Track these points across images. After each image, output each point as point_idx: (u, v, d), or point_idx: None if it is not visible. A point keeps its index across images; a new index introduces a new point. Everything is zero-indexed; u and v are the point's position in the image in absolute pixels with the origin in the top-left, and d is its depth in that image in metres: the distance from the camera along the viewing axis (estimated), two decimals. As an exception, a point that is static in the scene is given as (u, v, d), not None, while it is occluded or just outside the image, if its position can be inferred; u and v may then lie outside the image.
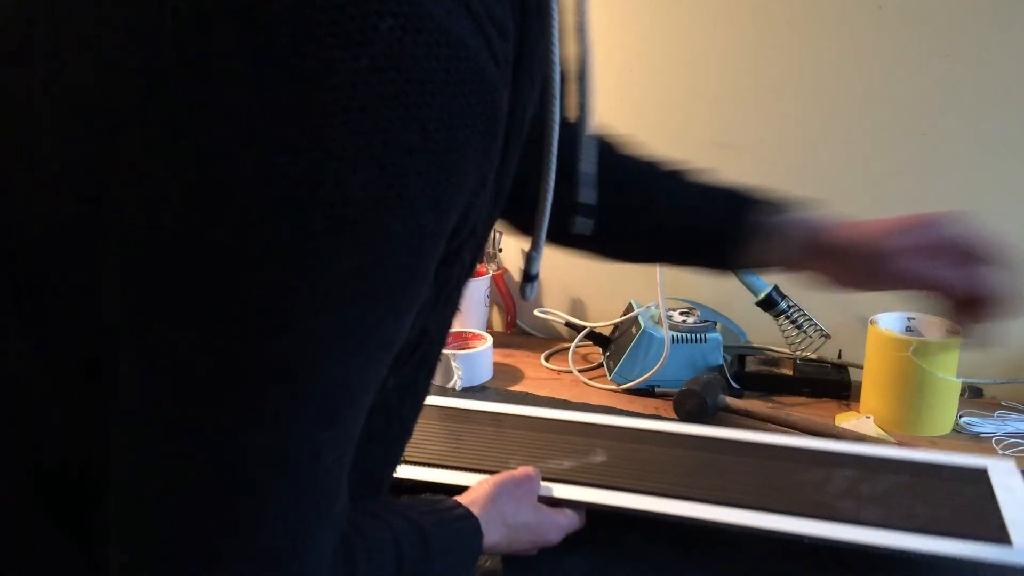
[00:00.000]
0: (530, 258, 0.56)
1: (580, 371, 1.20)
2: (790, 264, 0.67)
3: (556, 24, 0.46)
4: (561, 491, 0.76)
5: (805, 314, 1.13)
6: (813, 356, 1.16)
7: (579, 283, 1.36)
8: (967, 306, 0.61)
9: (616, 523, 0.75)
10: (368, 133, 0.35)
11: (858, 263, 0.65)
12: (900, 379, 0.99)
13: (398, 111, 0.35)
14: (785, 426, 0.99)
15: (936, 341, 0.98)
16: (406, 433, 0.56)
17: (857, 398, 1.07)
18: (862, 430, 0.97)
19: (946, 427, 1.01)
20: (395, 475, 0.80)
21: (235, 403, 0.37)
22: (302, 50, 0.34)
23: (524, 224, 0.60)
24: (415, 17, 0.35)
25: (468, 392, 1.11)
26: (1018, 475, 0.78)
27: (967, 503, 0.73)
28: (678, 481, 0.78)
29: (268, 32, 0.34)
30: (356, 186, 0.36)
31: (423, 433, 0.90)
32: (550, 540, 0.72)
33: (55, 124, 0.40)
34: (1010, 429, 1.01)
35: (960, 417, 1.02)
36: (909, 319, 1.05)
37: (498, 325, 1.42)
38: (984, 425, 1.02)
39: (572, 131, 0.55)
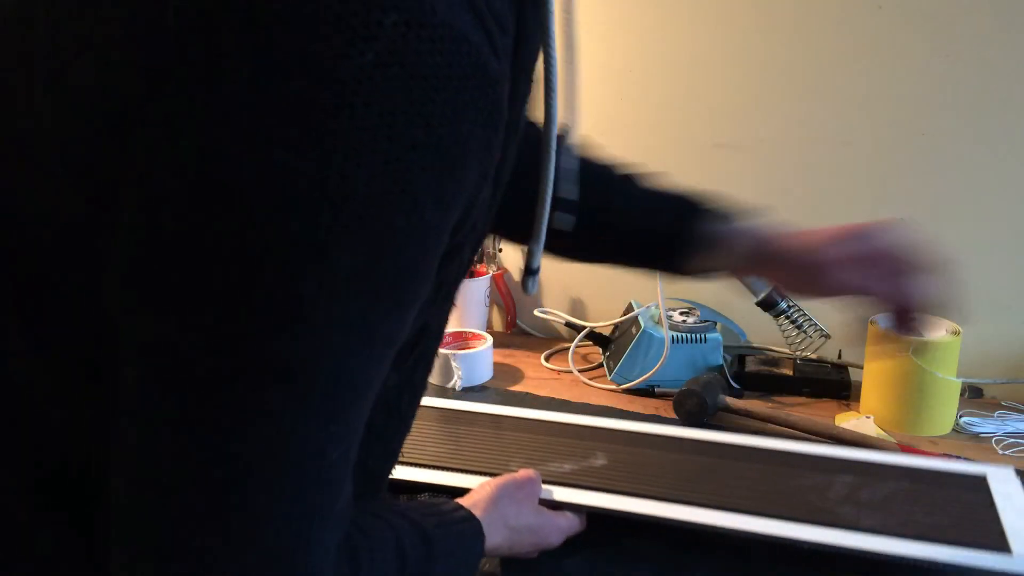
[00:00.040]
0: (531, 252, 0.56)
1: (580, 371, 1.20)
2: (737, 271, 0.69)
3: (553, 18, 0.46)
4: (561, 494, 0.76)
5: (805, 314, 1.13)
6: (813, 356, 1.16)
7: (579, 283, 1.36)
8: (900, 313, 0.64)
9: (616, 526, 0.76)
10: (373, 129, 0.35)
11: (799, 273, 0.67)
12: (900, 379, 0.99)
13: (402, 106, 0.36)
14: (785, 426, 0.99)
15: (936, 341, 0.98)
16: (405, 429, 0.57)
17: (857, 398, 1.07)
18: (862, 430, 0.97)
19: (946, 427, 1.01)
20: (396, 477, 0.81)
21: (238, 401, 0.37)
22: (306, 47, 0.34)
23: (508, 224, 0.60)
24: (419, 12, 0.35)
25: (468, 392, 1.11)
26: (1017, 483, 0.78)
27: (966, 510, 0.74)
28: (678, 485, 0.78)
29: (271, 29, 0.34)
30: (361, 182, 0.36)
31: (424, 435, 0.90)
32: (551, 542, 0.72)
33: (56, 124, 0.40)
34: (1010, 429, 1.01)
35: (960, 417, 1.02)
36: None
37: (498, 325, 1.42)
38: (984, 425, 1.02)
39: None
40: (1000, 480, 0.78)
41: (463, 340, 1.19)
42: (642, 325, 1.13)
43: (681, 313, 1.17)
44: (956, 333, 0.99)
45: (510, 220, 0.57)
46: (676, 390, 1.03)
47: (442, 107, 0.37)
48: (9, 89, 0.42)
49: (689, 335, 1.12)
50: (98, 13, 0.38)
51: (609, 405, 1.08)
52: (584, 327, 1.24)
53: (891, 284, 0.63)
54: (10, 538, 0.45)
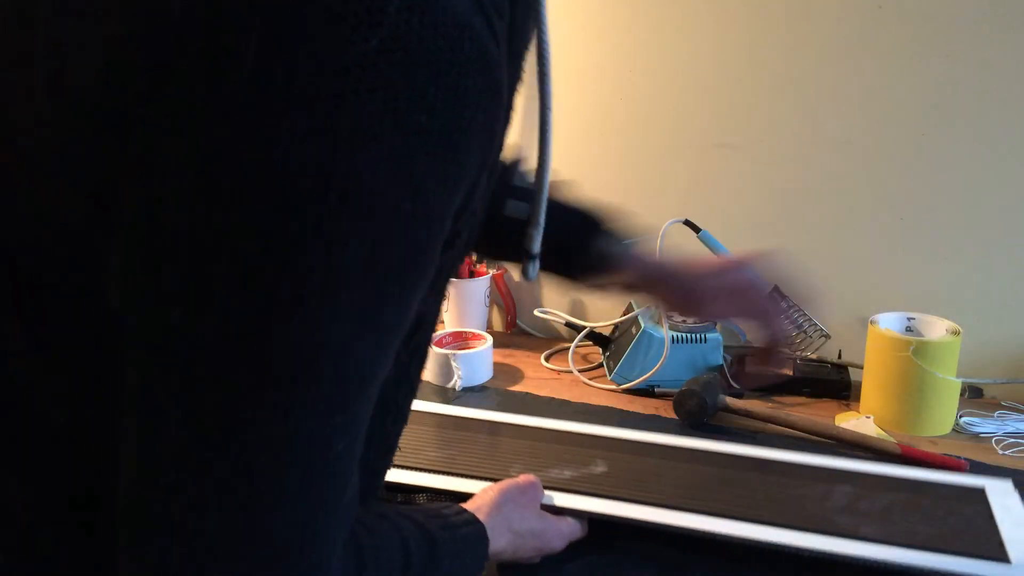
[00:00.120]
0: (530, 236, 0.56)
1: (580, 371, 1.20)
2: (626, 289, 0.73)
3: (545, 3, 0.47)
4: (562, 500, 0.77)
5: (805, 314, 1.13)
6: (813, 356, 1.16)
7: (579, 283, 1.36)
8: (765, 347, 0.70)
9: (616, 533, 0.76)
10: (378, 115, 0.36)
11: (681, 299, 0.72)
12: (900, 379, 0.99)
13: (406, 92, 0.36)
14: (785, 426, 0.99)
15: (936, 341, 0.98)
16: (402, 422, 0.57)
17: (857, 398, 1.07)
18: (862, 430, 0.97)
19: (946, 427, 1.01)
20: (399, 481, 0.81)
21: (244, 392, 0.38)
22: (311, 34, 0.35)
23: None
24: None
25: (468, 392, 1.11)
26: (1015, 494, 0.79)
27: (965, 521, 0.74)
28: (679, 493, 0.79)
29: (275, 17, 0.34)
30: (367, 167, 0.36)
31: (426, 440, 0.90)
32: (554, 547, 0.72)
33: (56, 123, 0.40)
34: (1010, 429, 1.01)
35: (960, 417, 1.02)
36: (909, 319, 1.05)
37: (498, 325, 1.42)
38: (984, 425, 1.02)
39: None
40: (998, 492, 0.79)
41: (463, 340, 1.19)
42: (642, 325, 1.13)
43: (681, 313, 1.17)
44: (956, 333, 1.00)
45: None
46: (676, 390, 1.03)
47: (445, 92, 0.37)
48: (8, 88, 0.42)
49: (689, 335, 1.12)
50: (98, 12, 0.38)
51: (609, 405, 1.08)
52: (584, 327, 1.24)
53: (756, 319, 0.70)
54: (10, 538, 0.45)
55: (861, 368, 1.07)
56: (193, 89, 0.35)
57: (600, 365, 1.22)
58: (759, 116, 1.19)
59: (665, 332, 1.11)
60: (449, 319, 1.31)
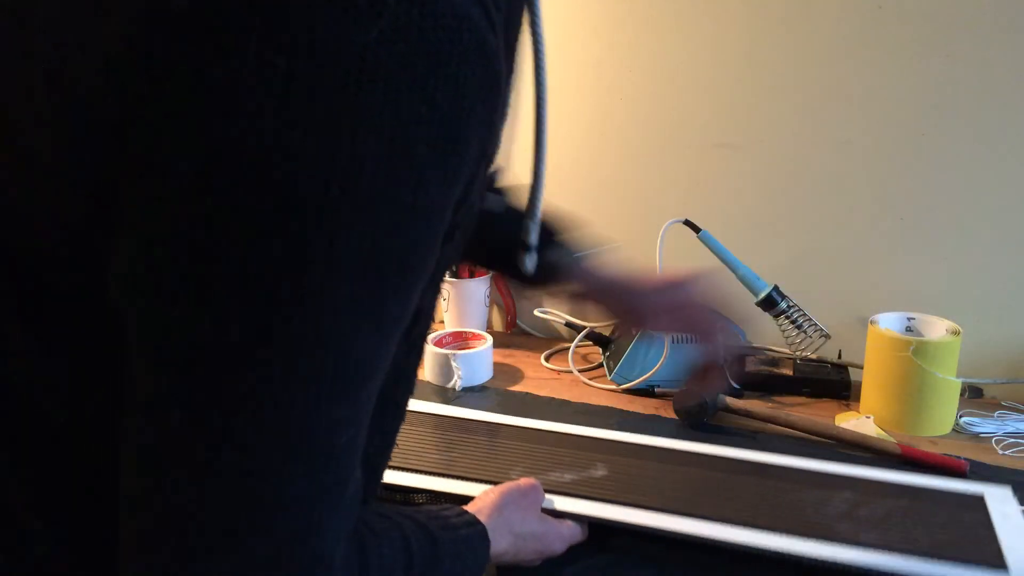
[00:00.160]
0: (527, 228, 0.57)
1: (580, 371, 1.20)
2: (575, 298, 0.75)
3: None
4: (562, 504, 0.77)
5: (805, 314, 1.13)
6: (813, 356, 1.16)
7: (579, 283, 1.36)
8: (704, 366, 0.72)
9: (616, 536, 0.76)
10: (379, 105, 0.36)
11: (625, 312, 0.74)
12: (900, 379, 0.99)
13: (407, 82, 0.36)
14: (785, 426, 0.99)
15: (936, 341, 0.98)
16: (400, 418, 0.57)
17: (857, 398, 1.07)
18: (862, 430, 0.97)
19: (946, 427, 1.01)
20: (399, 483, 0.81)
21: (248, 383, 0.38)
22: (311, 26, 0.35)
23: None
24: None
25: (468, 392, 1.11)
26: (1014, 503, 0.79)
27: (964, 529, 0.75)
28: (679, 498, 0.79)
29: (276, 10, 0.35)
30: (368, 159, 0.36)
31: (425, 442, 0.91)
32: (555, 550, 0.72)
33: (56, 123, 0.40)
34: (1010, 429, 1.01)
35: (960, 417, 1.02)
36: (909, 319, 1.05)
37: (498, 325, 1.42)
38: (984, 425, 1.02)
39: None
40: (998, 499, 0.80)
41: (463, 340, 1.19)
42: (642, 325, 1.13)
43: (681, 313, 1.17)
44: (956, 333, 1.00)
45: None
46: (676, 390, 1.03)
47: (445, 83, 0.37)
48: (8, 88, 0.42)
49: (689, 335, 1.12)
50: (98, 11, 0.38)
51: (609, 405, 1.08)
52: (584, 327, 1.24)
53: (697, 337, 0.72)
54: (10, 538, 0.45)
55: (861, 368, 1.07)
56: (194, 86, 0.35)
57: (600, 365, 1.22)
58: (759, 116, 1.19)
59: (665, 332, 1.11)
60: (449, 319, 1.31)
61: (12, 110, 0.42)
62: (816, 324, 1.13)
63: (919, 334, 1.03)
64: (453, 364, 1.11)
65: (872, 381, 1.03)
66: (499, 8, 0.42)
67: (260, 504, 0.39)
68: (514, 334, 1.38)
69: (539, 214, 0.56)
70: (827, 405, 1.09)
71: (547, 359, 1.25)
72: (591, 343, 1.25)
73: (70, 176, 0.40)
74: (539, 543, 0.71)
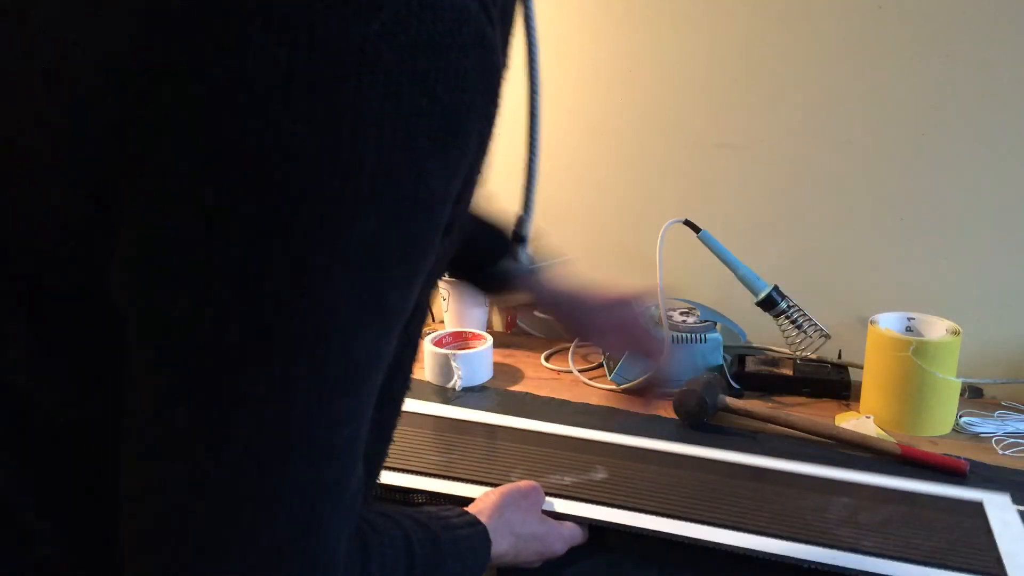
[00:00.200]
0: (522, 220, 0.57)
1: (580, 371, 1.20)
2: (527, 308, 0.77)
3: None
4: (562, 506, 0.77)
5: (805, 314, 1.13)
6: (813, 356, 1.16)
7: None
8: (646, 384, 0.73)
9: (616, 539, 0.76)
10: (381, 98, 0.36)
11: (573, 326, 0.77)
12: (900, 379, 0.99)
13: (408, 75, 0.36)
14: (785, 426, 0.99)
15: (936, 341, 0.98)
16: (397, 413, 0.57)
17: (857, 398, 1.07)
18: (862, 430, 0.97)
19: (946, 427, 1.01)
20: (398, 484, 0.81)
21: (251, 377, 0.38)
22: (314, 18, 0.35)
23: None
24: None
25: (468, 392, 1.11)
26: (1013, 510, 0.80)
27: (964, 535, 0.75)
28: (679, 502, 0.79)
29: (277, 3, 0.35)
30: (370, 151, 0.36)
31: (426, 444, 0.91)
32: (555, 551, 0.72)
33: (56, 122, 0.40)
34: (1010, 429, 1.01)
35: (960, 417, 1.02)
36: (909, 319, 1.05)
37: (498, 325, 1.42)
38: (984, 425, 1.02)
39: None
40: (997, 506, 0.80)
41: (463, 340, 1.19)
42: (642, 325, 1.13)
43: (681, 313, 1.17)
44: (956, 333, 1.00)
45: None
46: (676, 390, 1.03)
47: (446, 76, 0.37)
48: (7, 88, 0.42)
49: (689, 335, 1.12)
50: (98, 8, 0.38)
51: (609, 405, 1.08)
52: (584, 327, 1.24)
53: (642, 356, 0.74)
54: (12, 539, 0.45)
55: (861, 368, 1.07)
56: (194, 82, 0.35)
57: (600, 365, 1.22)
58: (759, 116, 1.19)
59: (665, 332, 1.11)
60: (449, 319, 1.31)
61: (11, 110, 0.41)
62: (816, 324, 1.13)
63: (919, 334, 1.03)
64: (453, 364, 1.11)
65: (872, 381, 1.03)
66: (495, 1, 0.42)
67: (262, 501, 0.39)
68: (514, 334, 1.38)
69: (533, 206, 0.56)
70: (827, 405, 1.09)
71: (547, 359, 1.25)
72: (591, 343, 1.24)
73: (70, 176, 0.40)
74: (540, 544, 0.71)
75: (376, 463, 0.57)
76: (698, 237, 1.14)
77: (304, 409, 0.39)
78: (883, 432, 0.99)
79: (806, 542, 0.73)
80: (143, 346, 0.39)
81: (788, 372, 1.13)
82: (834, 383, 1.11)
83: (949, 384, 0.99)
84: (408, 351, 0.54)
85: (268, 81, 0.35)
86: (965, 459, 0.91)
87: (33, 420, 0.44)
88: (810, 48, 1.14)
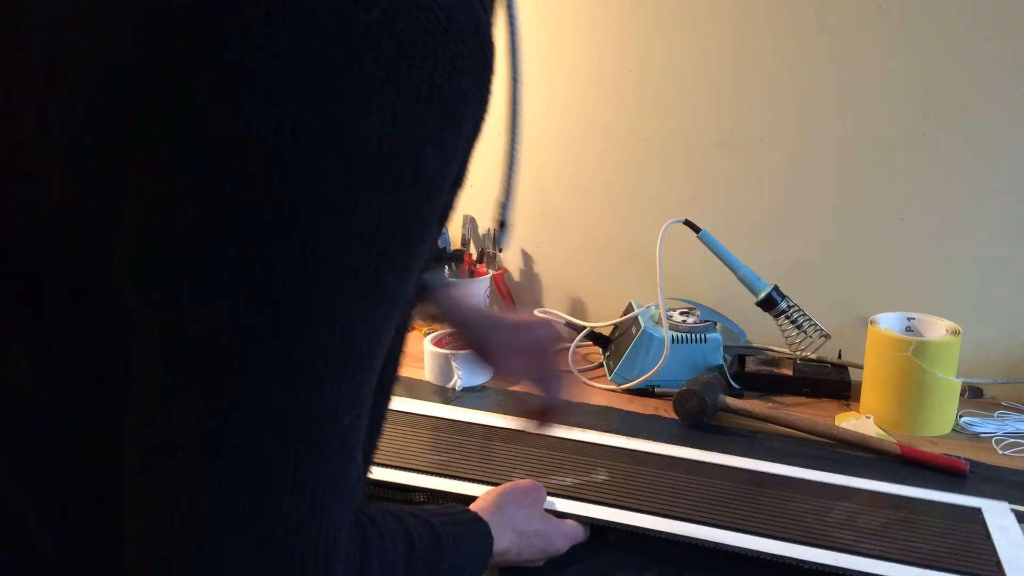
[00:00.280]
0: (504, 206, 0.57)
1: (580, 371, 1.20)
2: (432, 319, 0.79)
3: None
4: (563, 506, 0.77)
5: (805, 314, 1.13)
6: (813, 356, 1.16)
7: (579, 283, 1.36)
8: (542, 407, 0.74)
9: (617, 539, 0.76)
10: (381, 83, 0.36)
11: (477, 345, 0.77)
12: (900, 379, 0.99)
13: (407, 60, 0.37)
14: (785, 426, 0.99)
15: (936, 341, 0.98)
16: (387, 403, 0.57)
17: (857, 398, 1.07)
18: (862, 430, 0.97)
19: (946, 427, 1.01)
20: (397, 481, 0.81)
21: (254, 365, 0.38)
22: (315, 6, 0.35)
23: None
24: None
25: (468, 392, 1.11)
26: (1011, 516, 0.80)
27: (963, 540, 0.75)
28: (680, 503, 0.79)
29: None
30: (371, 136, 0.37)
31: (425, 443, 0.91)
32: (558, 548, 0.72)
33: (56, 121, 0.40)
34: (1010, 429, 1.01)
35: (960, 417, 1.02)
36: (909, 319, 1.05)
37: (498, 325, 1.41)
38: (984, 425, 1.02)
39: None
40: (995, 513, 0.80)
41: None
42: (642, 325, 1.13)
43: (681, 313, 1.17)
44: (956, 333, 1.00)
45: None
46: (676, 390, 1.03)
47: (444, 61, 0.38)
48: (4, 86, 0.42)
49: (689, 335, 1.12)
50: (98, 4, 0.38)
51: (609, 405, 1.08)
52: (584, 327, 1.24)
53: (542, 380, 0.74)
54: (15, 540, 0.45)
55: (861, 368, 1.07)
56: (197, 71, 0.36)
57: (600, 365, 1.22)
58: (759, 116, 1.19)
59: (665, 332, 1.11)
60: (449, 319, 1.31)
61: (11, 109, 0.41)
62: (816, 324, 1.13)
63: (919, 334, 1.03)
64: (453, 364, 1.11)
65: (872, 381, 1.03)
66: None
67: (263, 491, 0.39)
68: (514, 334, 1.38)
69: (514, 193, 0.56)
70: (827, 405, 1.09)
71: (547, 359, 1.25)
72: (591, 343, 1.25)
73: (70, 175, 0.40)
74: (543, 541, 0.71)
75: (367, 456, 0.57)
76: (698, 237, 1.14)
77: (305, 396, 0.39)
78: (883, 432, 0.99)
79: (805, 544, 0.73)
80: (145, 341, 0.39)
81: (788, 372, 1.13)
82: (834, 383, 1.11)
83: (949, 384, 0.99)
84: (398, 339, 0.55)
85: (271, 67, 0.35)
86: (965, 459, 0.91)
87: (33, 420, 0.44)
88: (810, 48, 1.14)
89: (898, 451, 0.92)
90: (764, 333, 1.22)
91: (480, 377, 1.14)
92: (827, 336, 1.14)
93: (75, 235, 0.41)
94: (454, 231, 1.35)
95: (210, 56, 0.36)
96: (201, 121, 0.36)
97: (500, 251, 1.35)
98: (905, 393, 0.99)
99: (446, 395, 1.10)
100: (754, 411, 1.01)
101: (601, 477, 0.84)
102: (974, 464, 0.91)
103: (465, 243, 1.35)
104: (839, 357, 1.17)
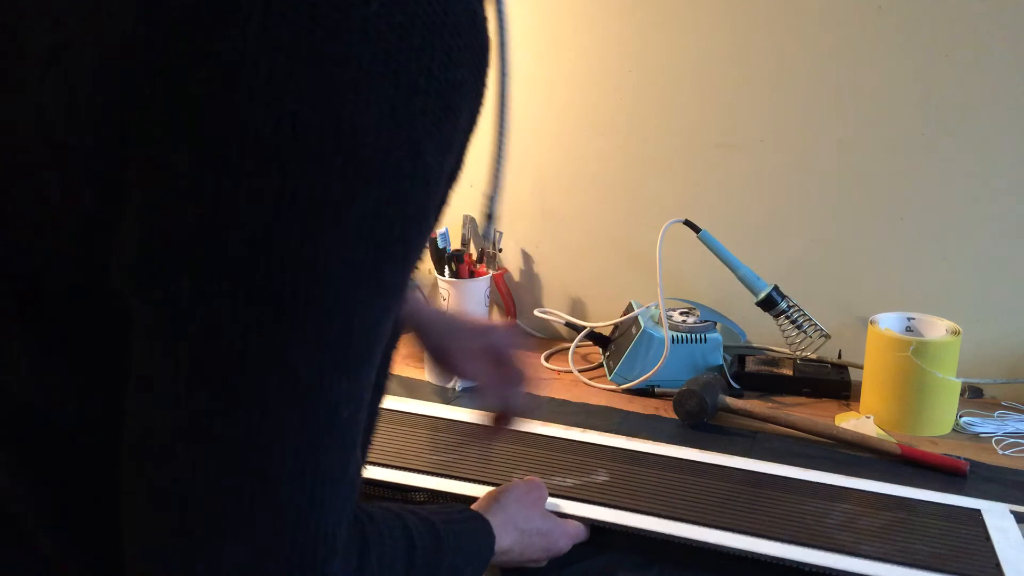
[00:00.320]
0: (491, 199, 0.58)
1: (580, 371, 1.20)
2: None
3: None
4: (564, 507, 0.77)
5: (805, 314, 1.13)
6: (813, 356, 1.16)
7: (579, 283, 1.36)
8: (501, 413, 0.73)
9: (617, 541, 0.76)
10: (379, 76, 0.37)
11: (436, 348, 0.76)
12: (900, 379, 0.99)
13: (405, 53, 0.37)
14: (785, 426, 0.99)
15: (936, 341, 0.98)
16: (381, 396, 0.57)
17: (857, 398, 1.07)
18: (862, 430, 0.97)
19: (946, 427, 1.01)
20: (396, 481, 0.81)
21: (254, 357, 0.38)
22: (313, 1, 0.36)
23: None
24: None
25: (468, 392, 1.11)
26: (1011, 518, 0.80)
27: (963, 542, 0.75)
28: (680, 505, 0.79)
29: None
30: (370, 128, 0.37)
31: (425, 444, 0.91)
32: (561, 547, 0.72)
33: (55, 120, 0.40)
34: (1010, 429, 1.01)
35: (960, 417, 1.02)
36: (909, 319, 1.05)
37: (498, 325, 1.42)
38: (984, 425, 1.02)
39: None
40: (995, 515, 0.80)
41: (463, 340, 1.19)
42: (642, 325, 1.13)
43: (681, 313, 1.17)
44: (956, 333, 1.00)
45: None
46: (676, 390, 1.03)
47: (441, 53, 0.38)
48: (3, 85, 0.42)
49: (689, 335, 1.12)
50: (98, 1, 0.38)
51: (609, 405, 1.08)
52: (584, 327, 1.24)
53: (500, 385, 0.73)
54: (15, 540, 0.45)
55: (861, 368, 1.07)
56: (197, 65, 0.36)
57: (600, 365, 1.22)
58: (759, 116, 1.19)
59: (665, 332, 1.11)
60: (449, 319, 1.31)
61: (10, 109, 0.41)
62: (816, 324, 1.13)
63: (919, 334, 1.03)
64: (453, 364, 1.11)
65: (872, 381, 1.03)
66: None
67: (262, 484, 0.39)
68: (514, 334, 1.38)
69: (501, 186, 0.57)
70: (827, 405, 1.09)
71: (547, 359, 1.25)
72: (591, 343, 1.25)
73: (70, 175, 0.40)
74: (545, 539, 0.71)
75: (363, 453, 0.57)
76: (698, 237, 1.14)
77: (305, 389, 0.39)
78: (883, 432, 0.99)
79: (805, 545, 0.73)
80: (145, 340, 0.39)
81: (788, 372, 1.13)
82: (834, 383, 1.11)
83: (949, 384, 0.99)
84: (392, 337, 0.55)
85: (271, 60, 0.35)
86: (965, 459, 0.91)
87: (33, 420, 0.44)
88: (810, 48, 1.14)
89: (898, 451, 0.92)
90: (764, 333, 1.22)
91: (480, 377, 1.14)
92: (827, 336, 1.14)
93: (75, 235, 0.41)
94: (454, 231, 1.35)
95: (209, 53, 0.36)
96: (200, 118, 0.36)
97: (500, 251, 1.35)
98: (905, 393, 0.99)
99: (446, 395, 1.10)
100: (754, 411, 1.01)
101: (601, 478, 0.84)
102: (974, 464, 0.91)
103: (465, 243, 1.35)
104: (839, 357, 1.17)
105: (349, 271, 0.39)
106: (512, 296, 1.37)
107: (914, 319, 1.05)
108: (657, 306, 1.15)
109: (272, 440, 0.39)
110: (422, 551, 0.52)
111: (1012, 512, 0.81)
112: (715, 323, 1.15)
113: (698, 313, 1.17)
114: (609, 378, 1.16)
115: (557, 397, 1.11)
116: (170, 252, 0.38)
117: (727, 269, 1.13)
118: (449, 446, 0.90)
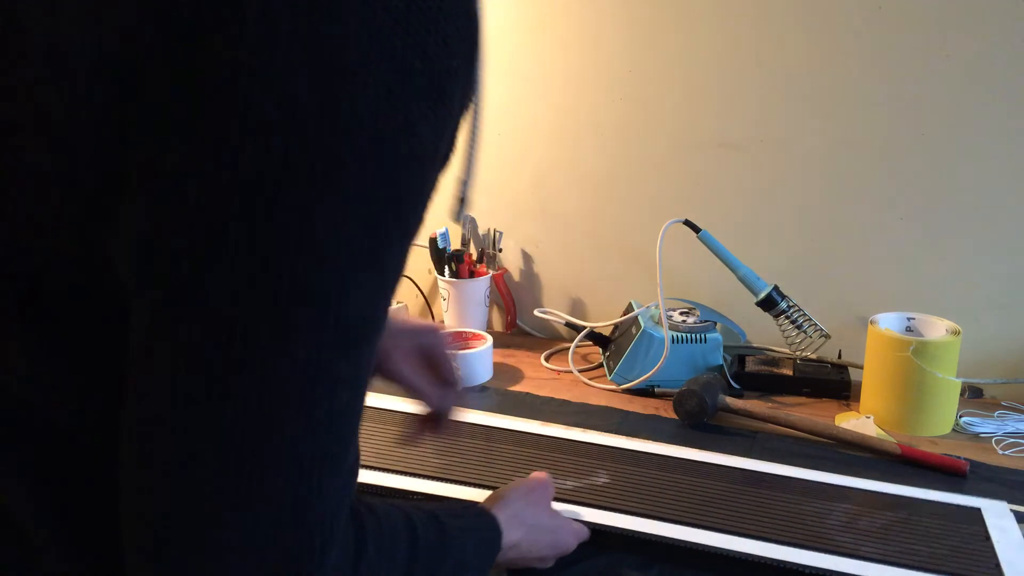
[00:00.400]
0: (464, 183, 0.58)
1: (580, 371, 1.20)
2: None
3: None
4: (565, 511, 0.77)
5: (805, 314, 1.13)
6: (813, 356, 1.16)
7: (579, 283, 1.36)
8: (432, 415, 0.74)
9: (617, 542, 0.76)
10: (377, 60, 0.37)
11: None
12: (900, 379, 0.99)
13: (402, 37, 0.38)
14: (785, 426, 0.99)
15: (936, 341, 0.98)
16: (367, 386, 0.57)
17: (857, 398, 1.08)
18: (862, 430, 0.97)
19: (946, 427, 1.01)
20: (397, 487, 0.81)
21: (254, 342, 0.38)
22: None
23: None
24: None
25: (468, 392, 1.11)
26: (1011, 517, 0.80)
27: (963, 542, 0.75)
28: (681, 506, 0.79)
29: None
30: (368, 111, 0.38)
31: (424, 444, 0.90)
32: (568, 544, 0.72)
33: (53, 118, 0.39)
34: (1010, 429, 1.01)
35: (960, 417, 1.02)
36: (909, 319, 1.05)
37: (498, 325, 1.42)
38: (984, 425, 1.02)
39: None
40: (995, 514, 0.80)
41: (463, 340, 1.19)
42: (642, 325, 1.13)
43: (681, 313, 1.17)
44: (956, 333, 1.00)
45: None
46: (676, 390, 1.03)
47: (436, 37, 0.39)
48: (6, 87, 0.41)
49: (689, 335, 1.12)
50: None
51: (609, 405, 1.08)
52: (584, 327, 1.24)
53: (433, 387, 0.73)
54: (14, 541, 0.45)
55: (861, 368, 1.07)
56: (197, 53, 0.36)
57: (600, 365, 1.22)
58: (759, 116, 1.19)
59: (665, 332, 1.11)
60: (449, 319, 1.31)
61: (9, 109, 0.41)
62: (816, 324, 1.13)
63: (919, 334, 1.03)
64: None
65: (872, 381, 1.03)
66: None
67: (260, 468, 0.39)
68: (514, 334, 1.38)
69: (475, 170, 0.57)
70: (827, 405, 1.09)
71: (547, 359, 1.25)
72: (591, 343, 1.25)
73: (70, 174, 0.40)
74: (552, 536, 0.70)
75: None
76: (698, 237, 1.14)
77: (303, 371, 0.39)
78: (883, 432, 0.99)
79: (805, 547, 0.73)
80: (144, 329, 0.39)
81: (788, 372, 1.13)
82: (834, 383, 1.11)
83: (949, 384, 0.99)
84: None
85: (270, 45, 0.36)
86: (965, 459, 0.91)
87: (33, 420, 0.44)
88: (810, 48, 1.14)
89: (898, 451, 0.92)
90: (764, 333, 1.22)
91: (480, 377, 1.15)
92: (827, 336, 1.14)
93: (75, 235, 0.41)
94: (454, 231, 1.35)
95: (209, 38, 0.36)
96: (201, 104, 0.36)
97: (500, 251, 1.35)
98: (905, 393, 0.99)
99: (446, 395, 1.10)
100: (754, 411, 1.01)
101: (602, 480, 0.84)
102: (974, 464, 0.91)
103: (465, 243, 1.35)
104: (839, 357, 1.17)
105: (347, 253, 0.39)
106: (512, 296, 1.37)
107: (914, 319, 1.05)
108: (657, 306, 1.15)
109: (271, 424, 0.39)
110: (425, 542, 0.52)
111: (1012, 511, 0.81)
112: (715, 323, 1.15)
113: (698, 313, 1.17)
114: (609, 378, 1.16)
115: (557, 397, 1.11)
116: (169, 240, 0.38)
117: (727, 269, 1.13)
118: (448, 447, 0.90)
